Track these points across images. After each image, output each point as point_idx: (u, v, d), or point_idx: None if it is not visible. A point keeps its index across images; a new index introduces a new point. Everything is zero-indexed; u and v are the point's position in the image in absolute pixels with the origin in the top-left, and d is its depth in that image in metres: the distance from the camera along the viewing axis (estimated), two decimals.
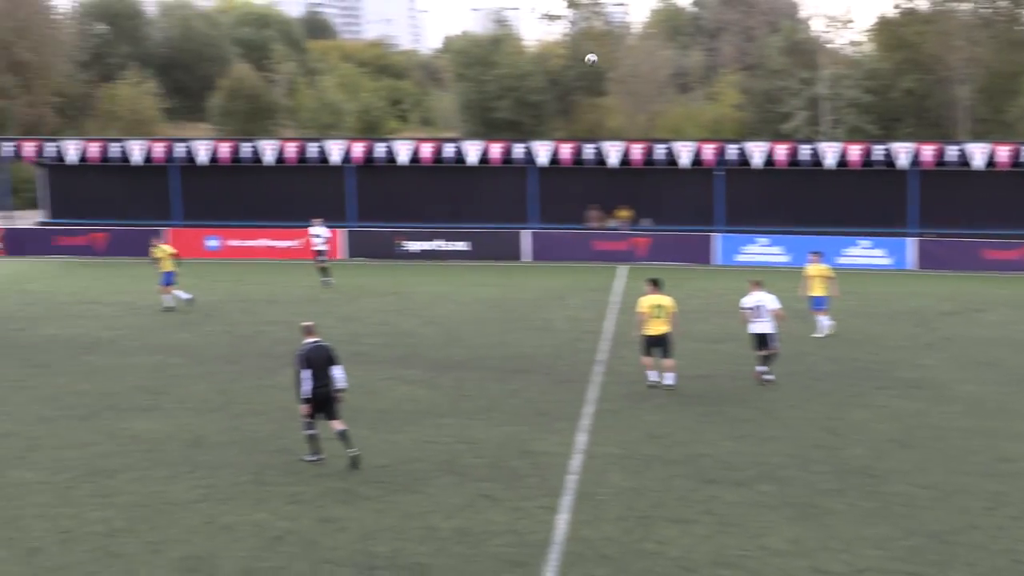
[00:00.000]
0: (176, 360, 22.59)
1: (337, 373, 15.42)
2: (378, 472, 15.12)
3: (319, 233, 33.96)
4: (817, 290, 25.48)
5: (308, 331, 15.70)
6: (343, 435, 15.36)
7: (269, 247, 41.79)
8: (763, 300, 20.51)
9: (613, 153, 41.67)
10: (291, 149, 43.53)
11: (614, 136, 53.87)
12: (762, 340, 20.54)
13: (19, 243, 42.90)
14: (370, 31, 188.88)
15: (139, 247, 41.38)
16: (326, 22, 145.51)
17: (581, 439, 16.76)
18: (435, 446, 16.38)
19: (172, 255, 29.17)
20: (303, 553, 12.36)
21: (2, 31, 70.29)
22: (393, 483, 14.67)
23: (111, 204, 45.49)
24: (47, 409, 18.65)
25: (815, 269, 25.64)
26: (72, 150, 44.24)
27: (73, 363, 22.35)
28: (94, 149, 44.09)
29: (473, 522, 13.27)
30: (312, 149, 43.42)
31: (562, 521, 13.27)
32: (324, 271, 33.65)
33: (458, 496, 14.17)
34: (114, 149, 44.06)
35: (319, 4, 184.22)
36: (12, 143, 45.52)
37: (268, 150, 43.45)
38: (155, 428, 17.43)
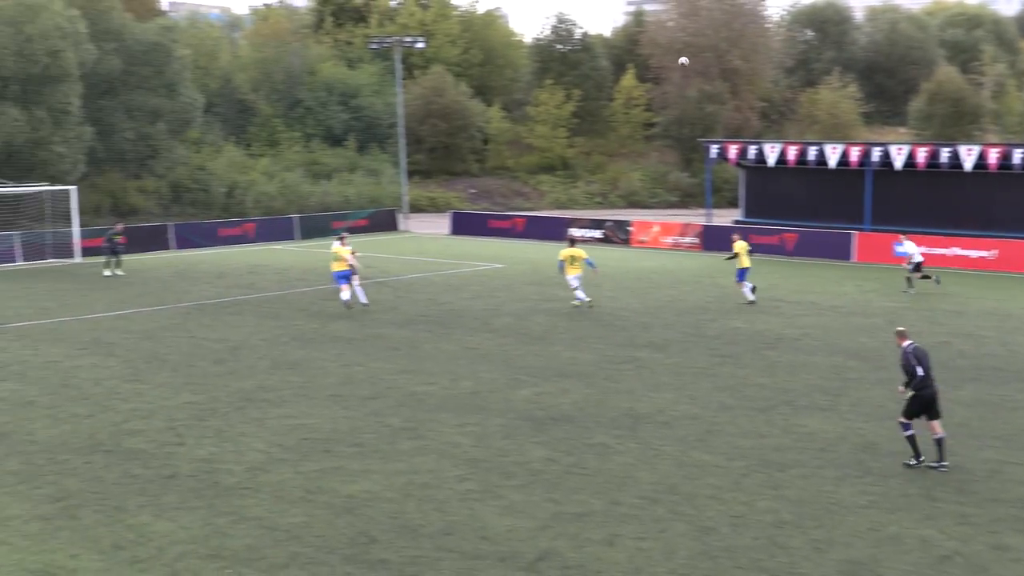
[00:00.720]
0: (854, 363, 22.60)
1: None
2: None
3: (910, 250, 33.29)
4: None
5: (902, 336, 16.02)
6: (939, 443, 15.33)
7: (961, 256, 39.99)
8: None
9: None
10: (993, 155, 41.47)
11: None
12: None
13: (716, 239, 45.53)
14: None
15: (828, 250, 42.01)
16: None
17: None
18: None
19: (747, 251, 30.66)
20: None
21: (718, 40, 74.81)
22: None
23: (802, 205, 46.70)
24: (728, 398, 19.67)
25: None
26: (771, 152, 46.12)
27: (755, 356, 23.29)
28: (791, 152, 45.59)
29: None
30: (1017, 155, 40.97)
31: None
32: (919, 279, 33.07)
33: None
34: (810, 152, 45.24)
35: None
36: (717, 145, 48.68)
37: (967, 156, 41.76)
38: (828, 428, 17.62)
